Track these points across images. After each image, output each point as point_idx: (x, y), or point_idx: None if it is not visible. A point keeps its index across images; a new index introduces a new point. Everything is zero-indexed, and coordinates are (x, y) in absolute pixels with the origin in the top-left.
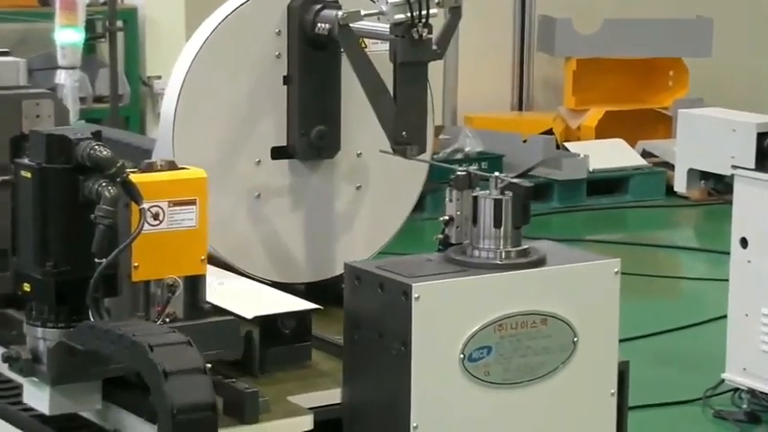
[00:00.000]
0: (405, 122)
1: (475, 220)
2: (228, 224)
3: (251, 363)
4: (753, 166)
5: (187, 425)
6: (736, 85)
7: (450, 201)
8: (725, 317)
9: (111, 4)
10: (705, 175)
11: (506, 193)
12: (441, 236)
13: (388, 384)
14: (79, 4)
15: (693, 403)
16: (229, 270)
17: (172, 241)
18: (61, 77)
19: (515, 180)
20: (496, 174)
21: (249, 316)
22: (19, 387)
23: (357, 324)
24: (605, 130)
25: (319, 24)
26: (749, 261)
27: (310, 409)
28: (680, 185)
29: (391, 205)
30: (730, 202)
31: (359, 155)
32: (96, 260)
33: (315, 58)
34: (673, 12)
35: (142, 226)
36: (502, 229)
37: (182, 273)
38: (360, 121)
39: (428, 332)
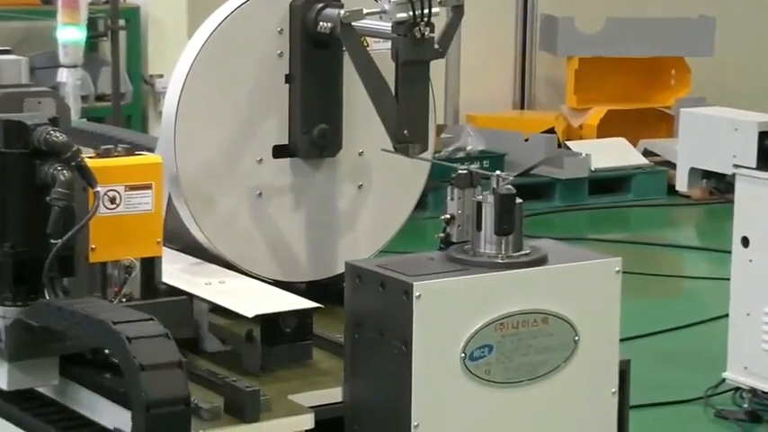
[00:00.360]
0: (407, 121)
1: (478, 225)
2: (230, 223)
3: (252, 361)
4: (754, 165)
5: (161, 419)
6: (738, 85)
7: (452, 199)
8: (726, 316)
9: (113, 3)
10: (707, 174)
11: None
12: (442, 234)
13: (389, 383)
14: (81, 3)
15: (695, 402)
16: (231, 269)
17: (128, 224)
18: (63, 76)
19: (497, 188)
20: (498, 172)
21: (250, 314)
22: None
23: (358, 323)
24: (607, 129)
25: (321, 23)
26: (750, 260)
27: (311, 407)
28: (681, 184)
29: (393, 204)
30: (732, 201)
31: (360, 154)
32: (52, 241)
33: (317, 57)
34: (675, 11)
35: (96, 208)
36: (482, 232)
37: (138, 254)
38: (362, 120)
39: (429, 331)
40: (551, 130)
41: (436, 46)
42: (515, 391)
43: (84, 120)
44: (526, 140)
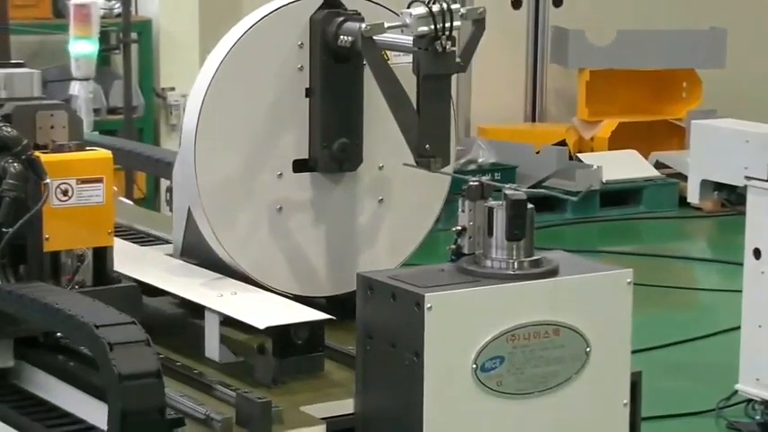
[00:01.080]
0: (428, 135)
1: (490, 231)
2: (250, 237)
3: (264, 373)
4: (766, 177)
5: (135, 392)
6: (749, 97)
7: (463, 211)
8: (738, 328)
9: (125, 16)
10: (718, 186)
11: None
12: (453, 246)
13: (401, 394)
14: (93, 16)
15: (707, 414)
16: (250, 284)
17: (81, 216)
18: (75, 89)
19: (510, 191)
20: (509, 185)
21: (262, 326)
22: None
23: (370, 334)
24: (618, 141)
25: (342, 37)
26: (762, 272)
27: (323, 419)
28: (693, 196)
29: (413, 218)
30: (743, 213)
31: (381, 168)
32: (3, 230)
33: (337, 71)
34: (686, 23)
35: (45, 199)
36: (493, 238)
37: (90, 244)
38: (382, 134)
39: (441, 342)
40: (563, 143)
41: (458, 59)
42: (527, 402)
43: (97, 133)
44: (537, 153)
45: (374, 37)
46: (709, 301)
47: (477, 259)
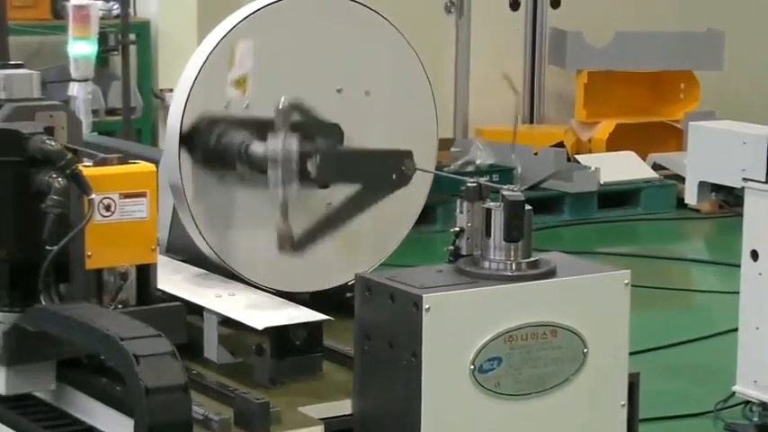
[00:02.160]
0: (381, 178)
1: (488, 232)
2: (234, 234)
3: (262, 373)
4: (763, 179)
5: (161, 406)
6: (747, 98)
7: (461, 212)
8: (736, 329)
9: (123, 18)
10: (716, 188)
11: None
12: (451, 247)
13: (399, 395)
14: (92, 17)
15: (704, 416)
16: (234, 279)
17: (123, 231)
18: (74, 90)
19: (510, 193)
20: (507, 186)
21: (260, 327)
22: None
23: (367, 335)
24: (616, 142)
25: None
26: (760, 273)
27: (321, 419)
28: (690, 198)
29: (396, 215)
30: (741, 215)
31: None
32: (47, 247)
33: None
34: (684, 24)
35: (90, 215)
36: (491, 239)
37: (133, 261)
38: (361, 132)
39: (438, 343)
40: (560, 144)
41: (317, 161)
42: (524, 403)
43: (95, 134)
44: (535, 154)
45: None
46: (706, 302)
47: (474, 260)
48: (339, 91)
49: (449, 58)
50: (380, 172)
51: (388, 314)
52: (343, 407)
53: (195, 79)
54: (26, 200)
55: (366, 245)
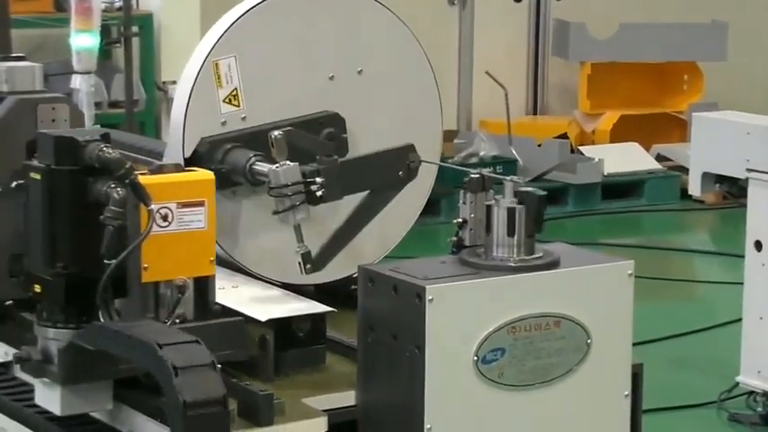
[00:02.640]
0: (388, 177)
1: (488, 229)
2: (239, 226)
3: (265, 365)
4: (767, 170)
5: (198, 420)
6: (750, 89)
7: (464, 203)
8: (739, 320)
9: (126, 10)
10: (720, 179)
11: (520, 200)
12: (454, 238)
13: (402, 386)
14: (94, 9)
15: (708, 406)
16: (239, 271)
17: (181, 242)
18: (77, 82)
19: (529, 188)
20: (511, 177)
21: (263, 319)
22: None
23: (371, 326)
24: (620, 134)
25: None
26: (763, 264)
27: (325, 411)
28: (694, 189)
29: (401, 208)
30: (745, 206)
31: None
32: (105, 261)
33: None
34: (687, 16)
35: (150, 227)
36: (515, 237)
37: (191, 274)
38: (365, 125)
39: (442, 334)
40: (564, 136)
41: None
42: (528, 394)
43: (98, 126)
44: (539, 146)
45: None
46: (710, 293)
47: (478, 251)
48: (342, 82)
49: (452, 50)
50: (387, 172)
51: (391, 305)
52: (347, 398)
53: (197, 75)
54: (82, 210)
55: (371, 237)
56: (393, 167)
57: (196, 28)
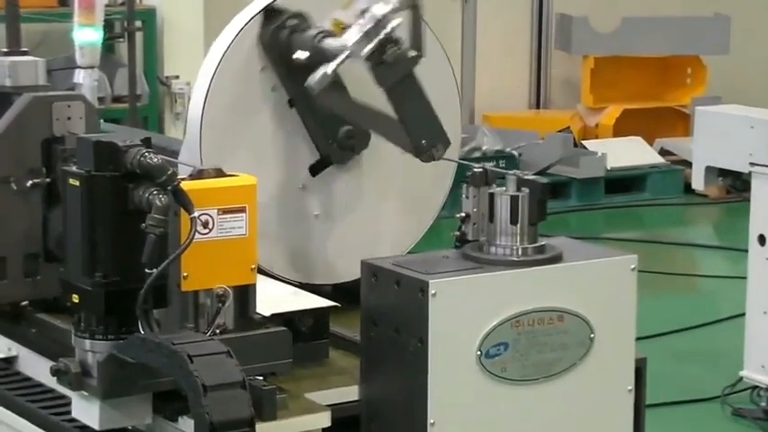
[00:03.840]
0: (419, 133)
1: (491, 217)
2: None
3: None
4: None
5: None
6: (754, 83)
7: (467, 198)
8: (743, 314)
9: (129, 4)
10: (723, 173)
11: (523, 189)
12: (457, 233)
13: (406, 381)
14: (98, 4)
15: (712, 401)
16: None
17: (221, 250)
18: (80, 77)
19: (531, 176)
20: (514, 171)
21: (267, 313)
22: (67, 399)
23: (374, 321)
24: (623, 128)
25: (295, 55)
26: (767, 258)
27: (328, 406)
28: (698, 183)
29: (418, 205)
30: (748, 200)
31: (383, 157)
32: (146, 270)
33: (309, 74)
34: (690, 9)
35: (193, 235)
36: (518, 225)
37: (231, 282)
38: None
39: (445, 329)
40: (567, 130)
41: (411, 53)
42: (531, 388)
43: (102, 121)
44: (542, 140)
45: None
46: (713, 287)
47: (481, 245)
48: (361, 82)
49: (455, 44)
50: (420, 132)
51: (394, 300)
52: (350, 393)
53: (217, 66)
54: (123, 218)
55: (387, 236)
56: (426, 136)
57: (199, 23)
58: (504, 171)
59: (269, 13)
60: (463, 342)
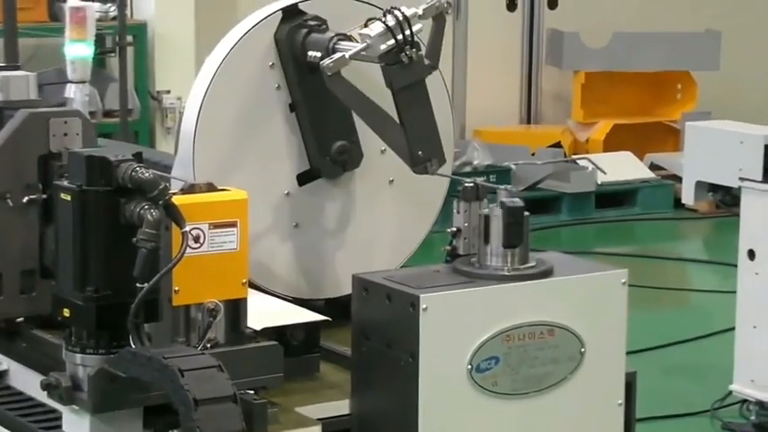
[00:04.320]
0: (417, 143)
1: (486, 239)
2: (250, 241)
3: None
4: (760, 179)
5: None
6: (744, 98)
7: (458, 212)
8: (733, 329)
9: (120, 19)
10: (713, 188)
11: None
12: (448, 247)
13: (396, 395)
14: (89, 19)
15: (701, 415)
16: (250, 286)
17: (213, 264)
18: (71, 92)
19: (506, 199)
20: (505, 186)
21: (258, 327)
22: (58, 413)
23: (365, 335)
24: (613, 143)
25: (310, 54)
26: (757, 273)
27: (319, 419)
28: (688, 198)
29: (411, 220)
30: (738, 215)
31: (383, 151)
32: (138, 285)
33: (314, 82)
34: (681, 25)
35: (184, 250)
36: (490, 245)
37: (223, 296)
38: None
39: (436, 343)
40: (558, 145)
41: (426, 61)
42: (522, 402)
43: None
44: (533, 155)
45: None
46: (703, 301)
47: (471, 260)
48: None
49: (446, 59)
50: (418, 141)
51: (385, 314)
52: (341, 407)
53: (211, 80)
54: (114, 232)
55: (381, 252)
56: (423, 149)
57: (190, 37)
58: (495, 185)
59: (288, 12)
60: (454, 356)
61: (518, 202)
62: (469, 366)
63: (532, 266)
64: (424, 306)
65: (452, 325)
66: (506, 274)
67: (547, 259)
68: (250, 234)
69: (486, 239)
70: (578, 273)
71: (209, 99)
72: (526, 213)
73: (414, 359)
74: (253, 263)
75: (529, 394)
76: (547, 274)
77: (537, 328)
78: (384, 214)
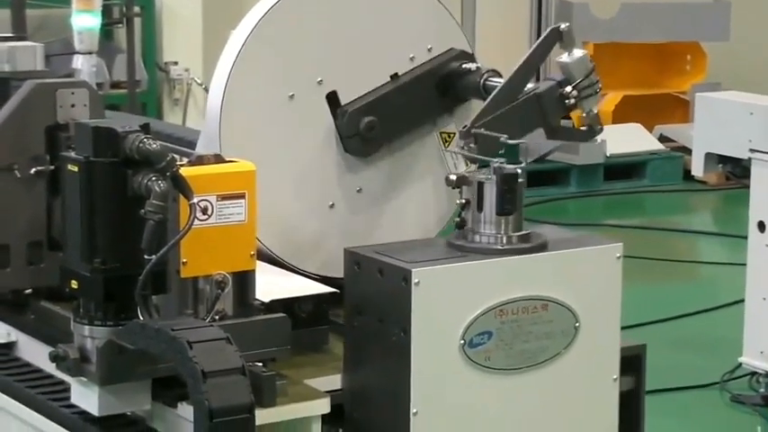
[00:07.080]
0: None
1: (480, 207)
2: (275, 216)
3: None
4: None
5: (224, 427)
6: (753, 69)
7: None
8: (742, 301)
9: None
10: (722, 159)
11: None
12: (458, 219)
13: (389, 370)
14: None
15: (711, 387)
16: (276, 264)
17: (221, 236)
18: (78, 62)
19: (502, 165)
20: (496, 159)
21: (266, 299)
22: (66, 385)
23: (357, 310)
24: (622, 114)
25: None
26: (766, 245)
27: (327, 392)
28: (697, 169)
29: (437, 197)
30: (748, 186)
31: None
32: (145, 256)
33: None
34: None
35: (192, 221)
36: (484, 212)
37: (231, 268)
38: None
39: (428, 318)
40: (567, 117)
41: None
42: (515, 377)
43: None
44: None
45: None
46: (713, 274)
47: (465, 234)
48: (383, 69)
49: None
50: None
51: (377, 289)
52: None
53: (233, 64)
54: (122, 204)
55: (409, 228)
56: None
57: (198, 8)
58: (489, 159)
59: None
60: (447, 331)
61: (512, 169)
62: (462, 341)
63: (526, 240)
64: (416, 280)
65: (445, 299)
66: (500, 248)
67: (541, 233)
68: (281, 213)
69: (480, 207)
70: (573, 247)
71: (235, 72)
72: (521, 180)
73: (406, 334)
74: (283, 242)
75: (522, 369)
76: (541, 248)
77: (531, 303)
78: (417, 193)
